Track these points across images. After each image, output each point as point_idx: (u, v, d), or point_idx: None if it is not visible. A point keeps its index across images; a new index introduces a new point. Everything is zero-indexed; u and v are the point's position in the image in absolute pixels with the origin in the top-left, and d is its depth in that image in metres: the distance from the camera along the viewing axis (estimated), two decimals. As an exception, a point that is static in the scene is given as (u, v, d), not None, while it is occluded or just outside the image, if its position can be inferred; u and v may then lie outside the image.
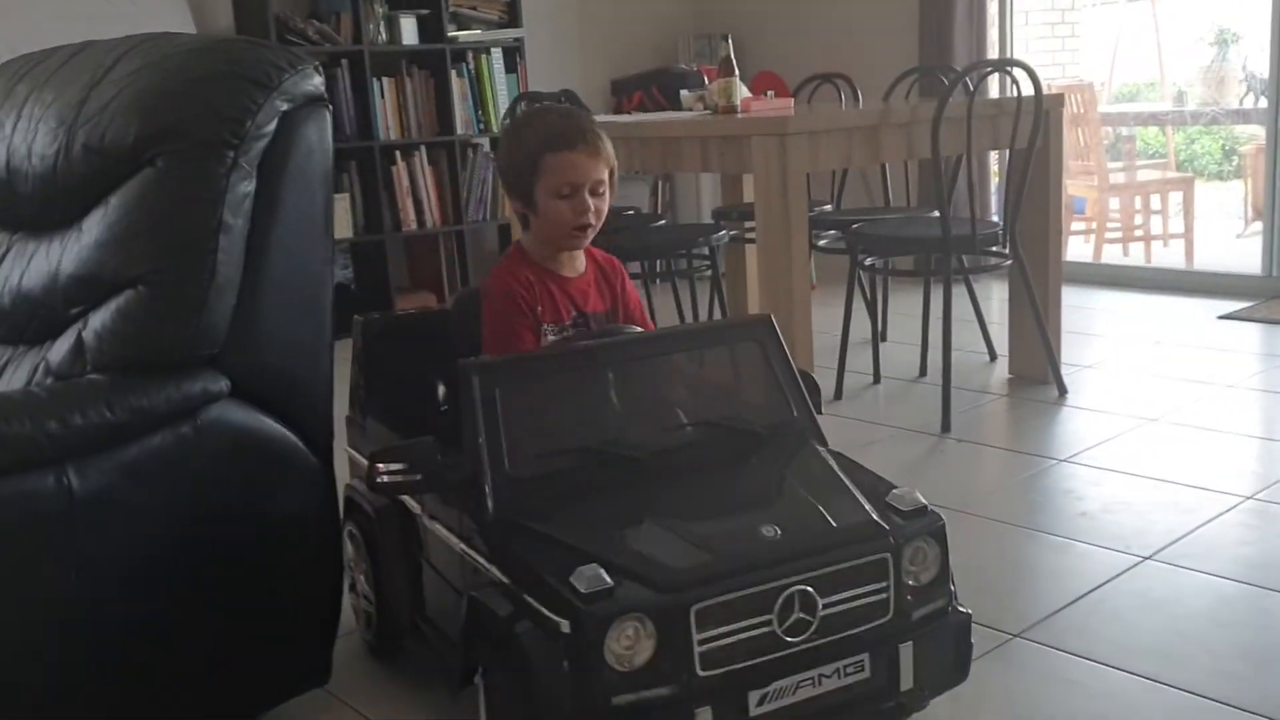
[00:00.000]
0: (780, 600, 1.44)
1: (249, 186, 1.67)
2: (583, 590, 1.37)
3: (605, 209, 1.90)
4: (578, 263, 1.97)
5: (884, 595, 1.51)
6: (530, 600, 1.44)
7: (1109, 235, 5.76)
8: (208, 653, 1.67)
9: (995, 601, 2.14)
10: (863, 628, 1.50)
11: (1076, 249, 5.73)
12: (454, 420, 1.67)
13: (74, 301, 1.70)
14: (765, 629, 1.44)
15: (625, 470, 1.61)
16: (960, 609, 1.60)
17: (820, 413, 1.80)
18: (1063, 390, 3.43)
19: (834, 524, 1.52)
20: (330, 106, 1.82)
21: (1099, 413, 3.27)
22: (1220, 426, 3.09)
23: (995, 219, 4.16)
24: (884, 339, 4.09)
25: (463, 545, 1.65)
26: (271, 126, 1.69)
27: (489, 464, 1.57)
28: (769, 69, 5.39)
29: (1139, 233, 5.84)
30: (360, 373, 2.12)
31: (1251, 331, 4.14)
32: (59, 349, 1.70)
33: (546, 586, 1.42)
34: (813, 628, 1.47)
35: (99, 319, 1.65)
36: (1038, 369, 3.52)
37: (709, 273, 3.80)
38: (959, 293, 3.69)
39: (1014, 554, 2.38)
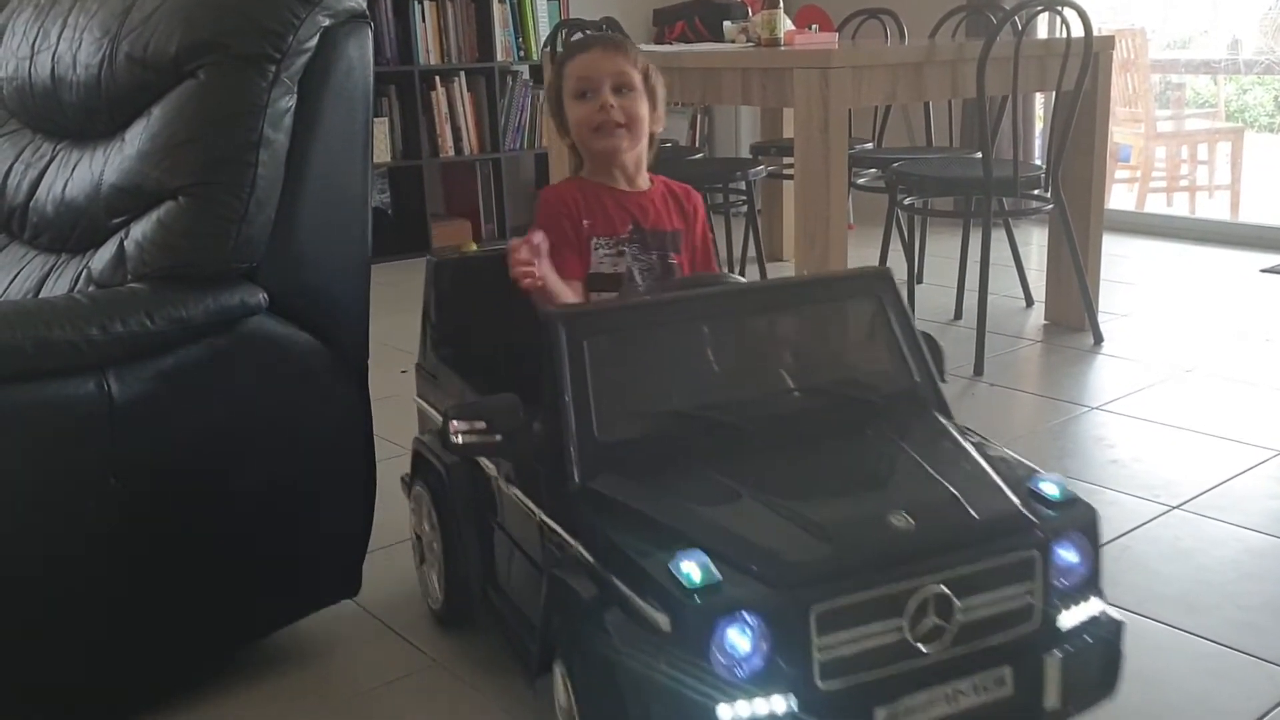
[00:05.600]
0: (913, 603, 1.25)
1: (290, 101, 1.66)
2: (686, 583, 1.19)
3: (637, 110, 1.82)
4: (639, 179, 1.89)
5: (1029, 599, 1.32)
6: (622, 587, 1.28)
7: (1154, 184, 5.67)
8: (240, 560, 1.70)
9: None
10: (1005, 636, 1.30)
11: (1120, 197, 5.65)
12: (535, 373, 1.48)
13: (116, 211, 1.72)
14: (895, 635, 1.25)
15: (728, 439, 1.44)
16: (1111, 615, 1.40)
17: (944, 380, 1.61)
18: (1099, 338, 3.41)
19: (974, 514, 1.32)
20: (371, 24, 1.81)
21: (1134, 362, 3.24)
22: (1257, 379, 3.06)
23: (1039, 163, 4.09)
24: (920, 281, 4.07)
25: (543, 515, 1.49)
26: (313, 42, 1.68)
27: (575, 426, 1.40)
28: (814, 3, 5.30)
29: (1184, 183, 5.75)
30: (432, 317, 1.99)
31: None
32: (101, 258, 1.71)
33: (642, 574, 1.24)
34: (949, 635, 1.27)
35: (140, 229, 1.66)
36: (1074, 316, 3.49)
37: (744, 208, 3.78)
38: (998, 237, 3.66)
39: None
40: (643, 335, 1.52)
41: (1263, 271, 4.25)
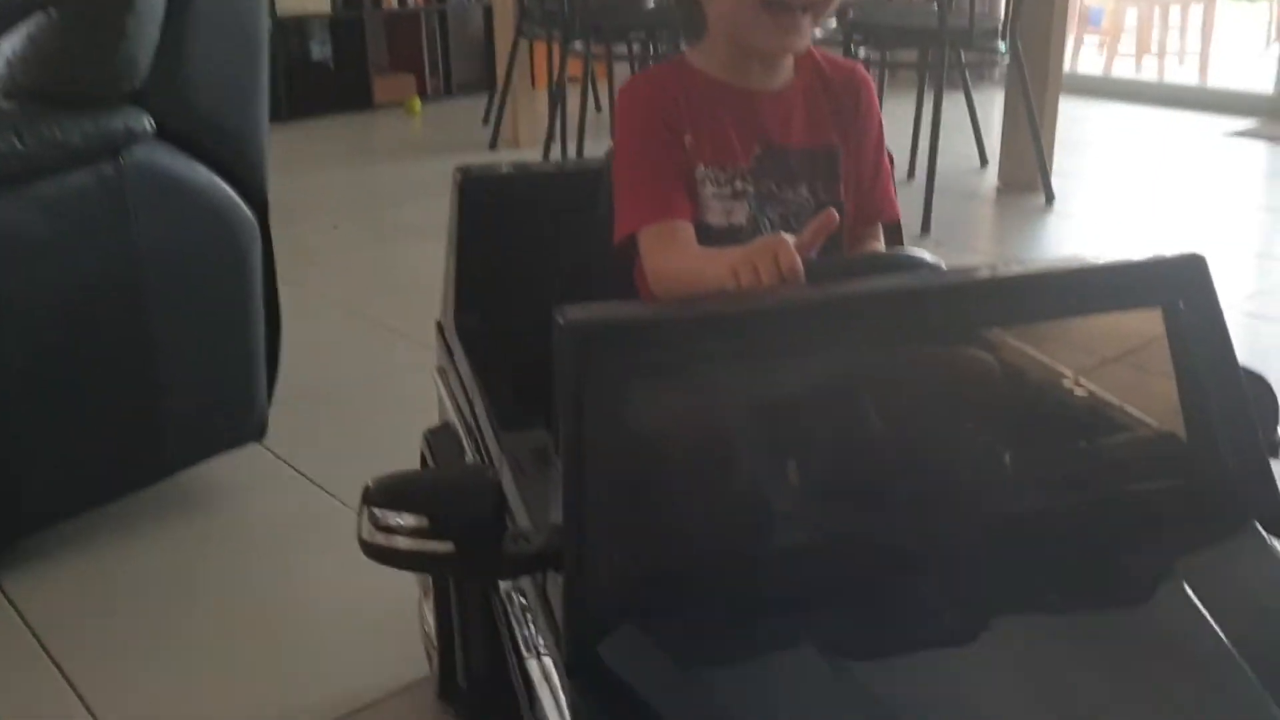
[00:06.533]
0: None
1: (171, -95, 1.53)
2: None
3: None
4: (776, 71, 1.19)
5: None
6: None
7: (1123, 50, 5.55)
8: (135, 399, 1.63)
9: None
10: None
11: (1089, 61, 5.52)
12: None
13: (-17, 26, 1.59)
14: None
15: (878, 586, 0.81)
16: None
17: (1276, 455, 0.94)
18: (1050, 197, 3.33)
19: None
20: None
21: (1084, 222, 3.19)
22: (1209, 239, 3.02)
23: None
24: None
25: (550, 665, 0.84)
26: None
27: (583, 546, 0.79)
28: None
29: (1154, 47, 5.63)
30: (454, 261, 1.37)
31: (1258, 149, 4.04)
32: (-31, 76, 1.59)
33: None
34: None
35: (10, 44, 1.54)
36: (1028, 176, 3.40)
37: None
38: (956, 97, 3.55)
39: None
40: (735, 372, 0.88)
41: (1227, 135, 4.18)
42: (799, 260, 0.95)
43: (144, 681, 1.42)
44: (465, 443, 1.24)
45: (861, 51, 3.34)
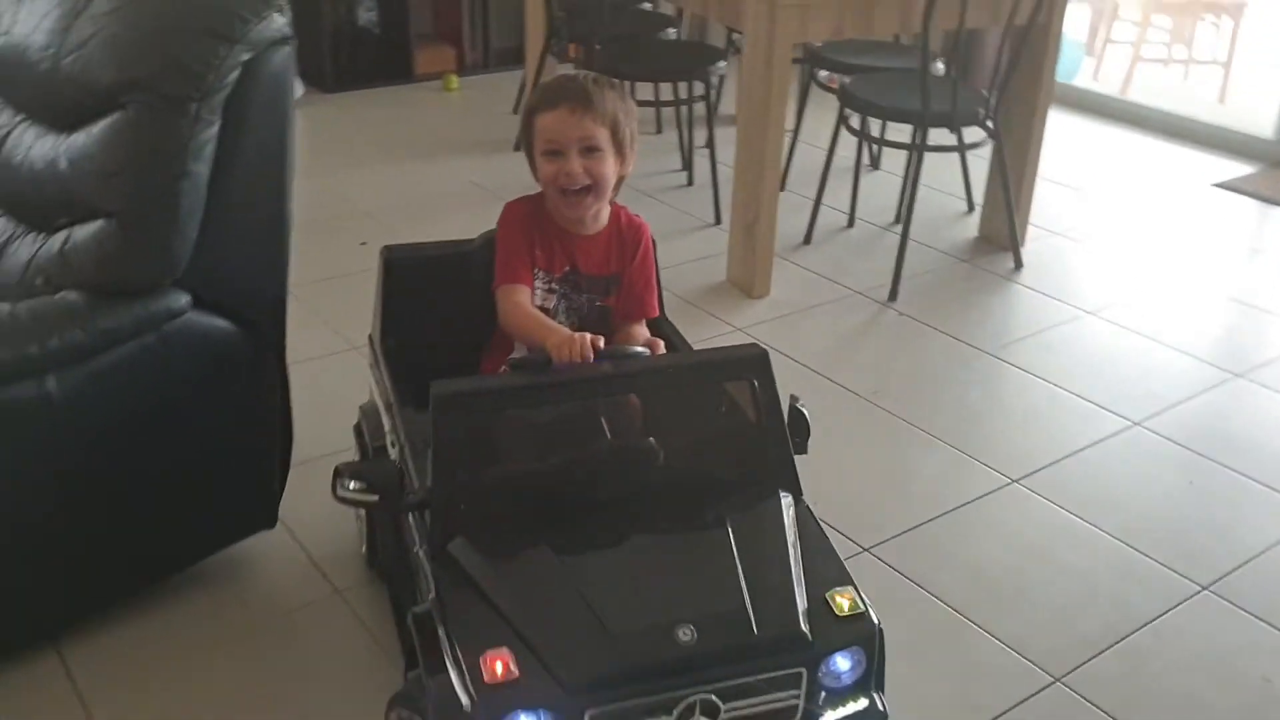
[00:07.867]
0: (681, 707, 1.44)
1: (211, 132, 1.84)
2: (485, 680, 1.40)
3: (604, 171, 1.87)
4: (593, 225, 1.96)
5: (795, 702, 1.50)
6: (451, 655, 1.47)
7: (1146, 55, 5.63)
8: (170, 510, 2.02)
9: (856, 513, 2.39)
10: None
11: (1110, 73, 5.58)
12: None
13: (61, 212, 1.93)
14: None
15: (579, 516, 1.63)
16: (879, 707, 1.57)
17: (804, 452, 1.76)
18: (1019, 265, 3.58)
19: (755, 631, 1.47)
20: (294, 41, 1.95)
21: (1046, 297, 3.43)
22: (1150, 328, 3.26)
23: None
24: (876, 167, 4.20)
25: (422, 553, 1.69)
26: (234, 75, 1.84)
27: (439, 494, 1.60)
28: None
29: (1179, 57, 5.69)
30: (380, 301, 2.13)
31: (1245, 209, 4.18)
32: (48, 250, 1.93)
33: (468, 657, 1.44)
34: None
35: (79, 237, 1.88)
36: (1004, 238, 3.63)
37: (711, 99, 3.85)
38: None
39: (902, 460, 2.65)
40: (515, 414, 1.73)
41: (1214, 186, 4.33)
42: (590, 351, 1.70)
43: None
44: (384, 420, 2.02)
45: (854, 119, 3.57)
